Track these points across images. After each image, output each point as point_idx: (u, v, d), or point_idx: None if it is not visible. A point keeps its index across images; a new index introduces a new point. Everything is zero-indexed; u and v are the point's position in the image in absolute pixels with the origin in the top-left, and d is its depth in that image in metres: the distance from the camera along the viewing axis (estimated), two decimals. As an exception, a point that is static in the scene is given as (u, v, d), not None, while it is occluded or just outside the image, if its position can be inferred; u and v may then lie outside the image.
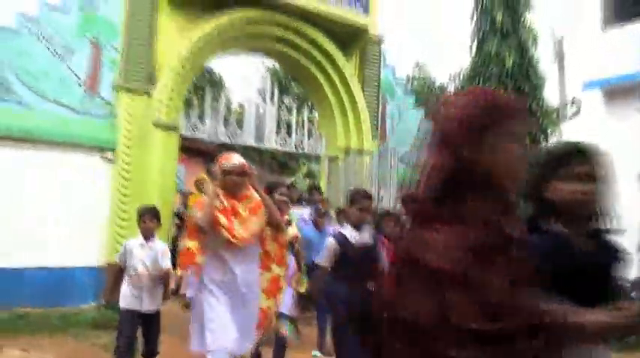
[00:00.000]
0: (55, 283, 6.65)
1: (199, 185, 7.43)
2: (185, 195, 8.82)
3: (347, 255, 3.79)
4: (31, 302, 6.38)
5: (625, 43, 8.54)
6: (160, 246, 4.31)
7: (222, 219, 3.39)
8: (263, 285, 3.71)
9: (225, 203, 3.46)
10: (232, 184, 3.48)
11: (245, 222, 3.49)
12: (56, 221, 6.69)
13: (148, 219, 4.24)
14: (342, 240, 3.84)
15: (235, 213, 3.47)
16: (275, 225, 3.70)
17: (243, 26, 7.92)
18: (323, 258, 3.90)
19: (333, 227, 6.03)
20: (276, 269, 3.78)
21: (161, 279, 4.25)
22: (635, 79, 8.34)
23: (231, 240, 3.38)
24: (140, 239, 4.26)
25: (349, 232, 3.88)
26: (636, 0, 8.89)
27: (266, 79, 9.36)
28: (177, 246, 7.04)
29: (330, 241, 3.90)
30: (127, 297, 4.20)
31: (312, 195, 7.49)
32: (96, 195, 6.98)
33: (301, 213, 6.54)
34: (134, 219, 6.82)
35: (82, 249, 6.84)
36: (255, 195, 3.59)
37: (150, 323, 4.27)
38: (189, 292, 3.80)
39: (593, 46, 9.14)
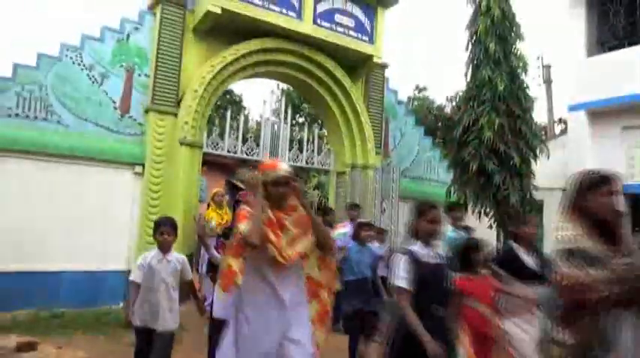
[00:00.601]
0: (89, 285, 6.74)
1: (217, 199, 7.25)
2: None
3: (422, 276, 2.95)
4: (67, 303, 6.47)
5: (607, 69, 8.57)
6: (180, 258, 3.76)
7: (271, 235, 2.72)
8: (312, 315, 2.92)
9: (272, 216, 2.78)
10: (278, 196, 2.81)
11: (294, 238, 2.81)
12: (91, 229, 6.79)
13: (167, 231, 3.65)
14: (414, 257, 3.01)
15: (282, 228, 2.79)
16: (326, 246, 2.95)
17: (260, 54, 8.04)
18: (400, 280, 2.96)
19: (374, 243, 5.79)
20: (325, 297, 2.96)
21: (187, 292, 3.78)
22: (617, 102, 8.36)
23: (279, 258, 2.70)
24: (157, 252, 3.69)
25: (419, 249, 3.08)
26: (616, 31, 8.93)
27: (281, 100, 9.43)
28: (193, 256, 6.90)
29: (402, 259, 3.03)
30: (143, 315, 3.62)
31: (352, 210, 7.00)
32: (127, 206, 7.09)
33: (346, 230, 6.16)
34: (161, 227, 7.00)
35: (114, 254, 6.94)
36: (301, 209, 2.89)
37: (165, 340, 3.64)
38: (219, 312, 3.48)
39: (579, 72, 9.17)
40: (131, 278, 3.70)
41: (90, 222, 6.78)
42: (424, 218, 3.12)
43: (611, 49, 8.87)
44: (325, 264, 2.98)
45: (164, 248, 3.68)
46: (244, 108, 24.67)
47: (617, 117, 8.47)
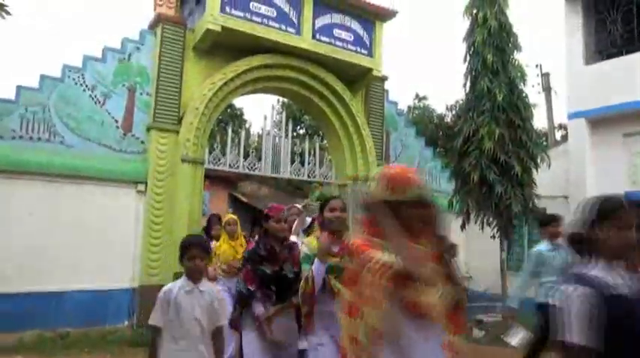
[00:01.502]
0: (93, 304, 6.76)
1: (230, 229, 5.46)
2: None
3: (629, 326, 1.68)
4: (71, 323, 6.49)
5: (606, 77, 8.61)
6: (213, 291, 2.92)
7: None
8: None
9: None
10: (418, 221, 1.94)
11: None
12: (95, 247, 6.82)
13: (198, 254, 2.82)
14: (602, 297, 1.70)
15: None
16: (460, 300, 1.99)
17: (260, 71, 8.13)
18: (579, 335, 1.66)
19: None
20: None
21: (214, 339, 2.85)
22: (617, 109, 8.39)
23: (429, 310, 1.85)
24: (185, 281, 2.83)
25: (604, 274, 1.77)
26: (613, 40, 8.98)
27: (282, 114, 9.50)
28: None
29: (580, 297, 1.70)
30: None
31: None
32: (130, 224, 7.14)
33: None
34: (165, 243, 7.04)
35: (118, 272, 6.97)
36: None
37: None
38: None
39: (578, 80, 9.20)
40: (150, 321, 2.80)
41: (94, 241, 6.82)
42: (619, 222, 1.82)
43: (609, 57, 8.91)
44: (459, 324, 1.99)
45: (195, 276, 2.84)
46: (245, 121, 24.82)
47: (618, 125, 8.49)
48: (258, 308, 3.34)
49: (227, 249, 5.32)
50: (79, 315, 6.57)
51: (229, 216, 5.62)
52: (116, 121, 7.23)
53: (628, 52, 8.60)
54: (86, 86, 7.08)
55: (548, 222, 4.95)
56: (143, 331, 6.57)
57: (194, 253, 2.82)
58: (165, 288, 2.87)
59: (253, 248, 3.58)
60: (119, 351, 6.01)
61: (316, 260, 2.92)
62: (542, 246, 4.84)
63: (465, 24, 8.59)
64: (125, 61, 7.43)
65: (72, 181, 6.79)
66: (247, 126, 24.59)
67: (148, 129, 7.38)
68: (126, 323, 6.92)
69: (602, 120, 8.68)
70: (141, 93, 7.45)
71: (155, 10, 7.85)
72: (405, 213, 1.92)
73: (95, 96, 7.12)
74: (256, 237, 5.33)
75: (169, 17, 7.70)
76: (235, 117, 22.31)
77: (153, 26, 7.75)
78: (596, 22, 9.28)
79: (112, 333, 6.54)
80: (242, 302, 3.43)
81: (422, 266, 1.84)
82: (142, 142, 7.38)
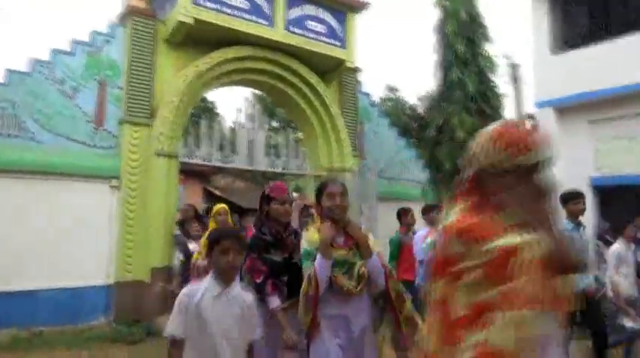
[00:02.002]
0: (69, 302, 6.66)
1: (221, 219, 4.91)
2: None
3: None
4: (47, 321, 6.39)
5: (572, 66, 8.89)
6: (245, 295, 2.34)
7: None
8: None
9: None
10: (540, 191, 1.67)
11: None
12: (69, 245, 6.71)
13: (233, 248, 2.23)
14: None
15: None
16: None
17: (233, 63, 8.08)
18: None
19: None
20: None
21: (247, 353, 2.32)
22: (582, 97, 8.68)
23: None
24: (212, 283, 2.25)
25: None
26: (578, 30, 9.26)
27: (255, 107, 9.50)
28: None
29: None
30: None
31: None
32: (105, 220, 7.04)
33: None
34: (140, 239, 6.99)
35: (94, 269, 6.88)
36: None
37: None
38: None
39: (544, 69, 9.47)
40: (168, 331, 2.20)
41: (67, 238, 6.71)
42: None
43: (574, 47, 9.20)
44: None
45: (228, 276, 2.28)
46: (217, 114, 24.62)
47: (584, 113, 8.79)
48: (275, 302, 2.80)
49: None
50: (54, 314, 6.46)
51: (220, 206, 5.03)
52: (87, 116, 7.10)
53: (593, 43, 8.90)
54: (55, 80, 6.93)
55: (567, 200, 4.47)
56: (120, 327, 6.56)
57: (227, 246, 2.22)
58: (185, 290, 2.27)
59: (255, 234, 3.07)
60: (97, 347, 5.98)
61: (318, 256, 2.51)
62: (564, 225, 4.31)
63: (435, 15, 8.76)
64: (95, 54, 7.29)
65: (44, 177, 6.65)
66: (220, 119, 24.42)
67: (121, 124, 7.27)
68: (102, 320, 6.85)
69: (568, 109, 8.97)
70: (112, 87, 7.33)
71: (124, 1, 7.71)
72: (525, 182, 1.54)
73: (65, 91, 6.97)
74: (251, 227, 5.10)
75: (140, 9, 7.57)
76: (207, 111, 22.11)
77: (123, 19, 7.62)
78: (562, 13, 9.55)
79: (89, 330, 6.49)
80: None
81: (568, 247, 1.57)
82: (115, 137, 7.28)
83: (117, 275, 6.95)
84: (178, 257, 5.80)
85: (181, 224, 6.11)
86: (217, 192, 17.68)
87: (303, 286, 2.53)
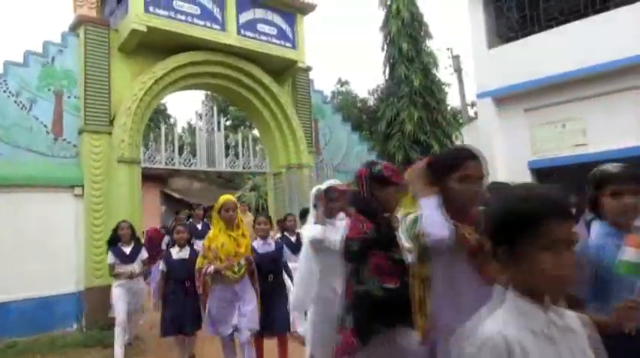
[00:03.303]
0: (39, 312, 6.70)
1: (226, 215, 4.25)
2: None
3: None
4: (19, 332, 6.44)
5: (506, 58, 9.57)
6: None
7: None
8: None
9: None
10: None
11: None
12: (36, 255, 6.74)
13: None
14: None
15: None
16: None
17: (189, 67, 8.27)
18: None
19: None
20: None
21: None
22: (517, 88, 9.37)
23: None
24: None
25: None
26: (510, 25, 9.97)
27: (213, 108, 9.66)
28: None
29: None
30: None
31: None
32: (71, 228, 7.11)
33: None
34: (106, 246, 7.08)
35: (63, 277, 6.95)
36: None
37: None
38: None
39: (482, 62, 10.12)
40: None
41: (34, 248, 6.74)
42: None
43: (508, 40, 9.88)
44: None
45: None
46: (169, 116, 24.41)
47: (519, 101, 9.48)
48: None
49: (227, 241, 4.21)
50: (26, 324, 6.51)
51: (227, 198, 4.31)
52: (45, 126, 7.12)
53: (524, 36, 9.60)
54: (10, 92, 6.91)
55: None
56: (92, 333, 6.69)
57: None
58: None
59: (360, 229, 2.40)
60: (72, 353, 6.09)
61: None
62: None
63: (381, 14, 9.23)
64: (49, 64, 7.30)
65: (5, 190, 6.65)
66: (172, 121, 24.21)
67: (80, 133, 7.34)
68: (75, 326, 6.94)
69: (505, 98, 9.64)
70: (69, 97, 7.38)
71: (75, 11, 7.72)
72: None
73: (21, 102, 6.97)
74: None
75: (91, 18, 7.63)
76: (159, 113, 21.91)
77: (74, 28, 7.64)
78: (495, 9, 10.23)
79: (63, 338, 6.56)
80: (376, 316, 2.24)
81: None
82: (75, 146, 7.33)
83: (86, 281, 7.05)
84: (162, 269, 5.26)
85: (168, 233, 5.86)
86: (176, 195, 17.66)
87: None
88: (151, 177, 14.92)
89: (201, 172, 16.36)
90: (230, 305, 4.28)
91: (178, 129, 20.19)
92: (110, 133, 7.45)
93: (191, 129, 21.09)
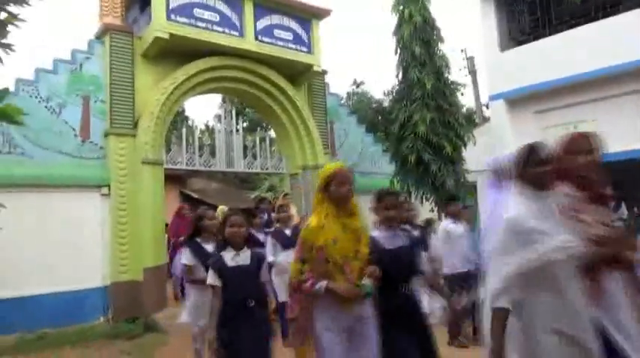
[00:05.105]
0: (68, 305, 7.02)
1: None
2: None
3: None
4: (49, 324, 6.74)
5: (518, 61, 9.67)
6: None
7: None
8: None
9: None
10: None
11: None
12: (64, 250, 7.07)
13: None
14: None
15: None
16: None
17: (208, 72, 8.53)
18: None
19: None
20: None
21: None
22: (528, 90, 9.47)
23: None
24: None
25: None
26: (522, 27, 10.07)
27: (231, 112, 9.92)
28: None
29: None
30: None
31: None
32: (97, 225, 7.44)
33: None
34: (132, 242, 7.42)
35: (90, 272, 7.26)
36: None
37: None
38: None
39: (495, 64, 10.24)
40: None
41: (63, 245, 7.07)
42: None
43: (520, 43, 9.98)
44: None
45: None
46: (187, 118, 24.86)
47: (530, 103, 9.57)
48: None
49: (340, 234, 2.86)
50: (56, 317, 6.82)
51: (337, 167, 3.12)
52: (74, 129, 7.46)
53: (536, 39, 9.69)
54: (41, 98, 7.26)
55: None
56: (119, 325, 7.00)
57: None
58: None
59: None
60: (99, 344, 6.40)
61: None
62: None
63: (393, 19, 9.38)
64: (76, 71, 7.64)
65: (36, 190, 6.99)
66: (191, 123, 24.68)
67: (106, 135, 7.66)
68: (102, 319, 7.26)
69: (517, 100, 9.74)
70: (95, 101, 7.70)
71: (101, 20, 8.06)
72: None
73: (51, 107, 7.32)
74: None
75: (116, 26, 7.95)
76: (177, 114, 22.33)
77: (100, 36, 7.97)
78: (507, 12, 10.33)
79: (90, 329, 6.87)
80: None
81: None
82: (101, 148, 7.65)
83: (112, 276, 7.36)
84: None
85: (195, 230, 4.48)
86: (194, 195, 18.01)
87: None
88: (171, 178, 15.30)
89: (219, 173, 16.65)
90: (344, 341, 2.71)
91: (198, 132, 20.62)
92: (134, 136, 7.76)
93: (209, 131, 21.49)
